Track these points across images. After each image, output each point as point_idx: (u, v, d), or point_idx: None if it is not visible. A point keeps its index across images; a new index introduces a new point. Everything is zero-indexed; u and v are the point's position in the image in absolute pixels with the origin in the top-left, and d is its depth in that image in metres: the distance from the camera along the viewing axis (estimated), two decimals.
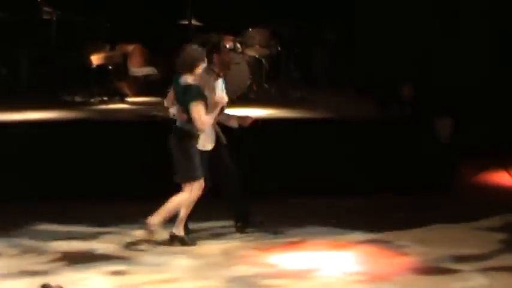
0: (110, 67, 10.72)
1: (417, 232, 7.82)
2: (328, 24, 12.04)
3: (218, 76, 7.51)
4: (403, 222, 8.09)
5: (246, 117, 7.73)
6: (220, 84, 7.52)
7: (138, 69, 10.97)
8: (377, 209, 8.64)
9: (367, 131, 9.36)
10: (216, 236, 7.72)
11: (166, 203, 7.29)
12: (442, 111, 9.44)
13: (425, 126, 9.25)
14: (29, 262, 6.97)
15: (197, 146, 7.31)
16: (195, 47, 7.36)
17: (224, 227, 7.96)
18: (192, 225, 7.73)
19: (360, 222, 8.09)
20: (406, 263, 6.99)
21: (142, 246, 7.39)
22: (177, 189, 7.34)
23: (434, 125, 9.26)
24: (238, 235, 7.69)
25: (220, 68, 7.50)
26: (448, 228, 7.94)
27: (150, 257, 7.13)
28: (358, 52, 11.58)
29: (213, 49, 7.43)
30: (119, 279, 6.60)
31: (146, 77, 11.03)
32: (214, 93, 7.35)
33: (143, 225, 7.35)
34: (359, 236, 7.69)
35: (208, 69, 7.36)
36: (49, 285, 6.19)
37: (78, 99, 10.53)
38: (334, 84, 12.07)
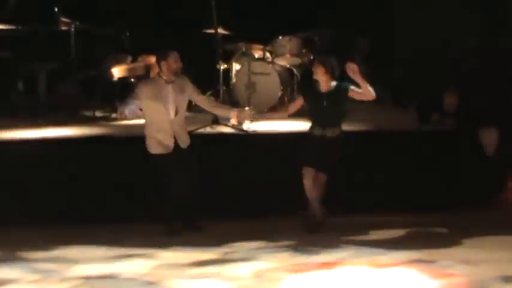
0: (132, 80, 10.80)
1: (462, 251, 7.80)
2: (361, 31, 12.06)
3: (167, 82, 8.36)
4: (447, 240, 8.08)
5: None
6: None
7: None
8: (419, 226, 8.62)
9: (406, 143, 9.36)
10: (246, 257, 7.76)
11: None
12: (487, 121, 9.41)
13: (469, 137, 9.23)
14: None
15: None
16: None
17: (255, 248, 8.00)
18: (223, 247, 7.78)
19: (401, 241, 8.10)
20: (451, 284, 6.97)
21: (170, 269, 7.45)
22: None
23: (479, 136, 9.24)
24: (269, 256, 7.72)
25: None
26: (496, 246, 7.92)
27: (178, 280, 7.16)
28: (395, 59, 11.57)
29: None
30: None
31: None
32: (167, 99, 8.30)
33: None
34: (400, 255, 7.67)
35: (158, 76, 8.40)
36: None
37: (99, 114, 10.63)
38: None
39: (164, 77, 8.34)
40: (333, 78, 8.42)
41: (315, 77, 8.49)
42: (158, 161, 8.31)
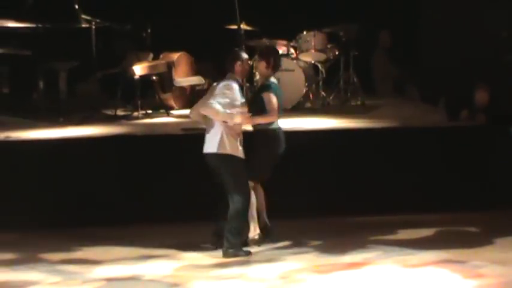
0: (154, 78, 10.77)
1: (494, 251, 7.72)
2: (386, 25, 11.99)
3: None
4: (479, 240, 8.00)
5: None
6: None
7: (184, 79, 11.00)
8: (449, 225, 8.55)
9: (435, 140, 9.27)
10: (271, 258, 7.70)
11: None
12: None
13: (500, 134, 9.12)
14: None
15: None
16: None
17: (280, 248, 7.95)
18: (247, 247, 7.77)
19: (430, 241, 8.03)
20: (483, 285, 6.87)
21: (193, 270, 7.41)
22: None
23: (510, 133, 9.12)
24: (295, 257, 7.66)
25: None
26: None
27: (201, 282, 7.12)
28: (423, 54, 11.48)
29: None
30: None
31: (193, 87, 11.07)
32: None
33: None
34: (430, 255, 7.59)
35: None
36: None
37: (120, 113, 10.62)
38: (396, 90, 12.02)
39: (238, 79, 7.93)
40: (273, 73, 8.07)
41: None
42: (242, 166, 7.85)
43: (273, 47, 8.39)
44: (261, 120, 7.89)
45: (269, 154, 7.92)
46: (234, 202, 7.70)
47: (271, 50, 8.30)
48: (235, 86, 7.85)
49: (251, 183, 7.87)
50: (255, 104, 7.95)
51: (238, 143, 7.82)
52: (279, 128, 7.98)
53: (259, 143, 7.92)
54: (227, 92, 7.79)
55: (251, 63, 10.70)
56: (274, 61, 8.02)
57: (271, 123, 7.91)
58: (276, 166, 7.97)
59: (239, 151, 7.82)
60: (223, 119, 7.76)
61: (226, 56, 8.06)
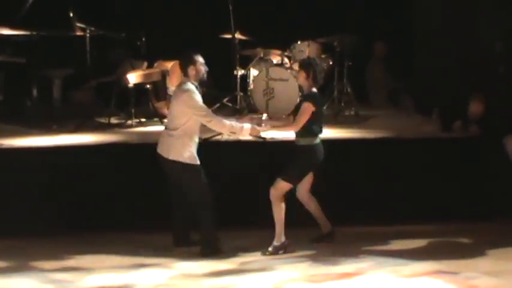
0: (148, 86, 10.79)
1: (487, 262, 7.73)
2: (381, 36, 12.04)
3: None
4: (472, 251, 8.02)
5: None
6: None
7: None
8: (442, 236, 8.56)
9: (428, 151, 9.30)
10: (264, 267, 7.71)
11: None
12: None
13: (494, 146, 9.15)
14: None
15: None
16: None
17: (273, 258, 7.98)
18: (240, 257, 7.78)
19: (423, 251, 8.04)
20: None
21: (185, 280, 7.42)
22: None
23: (504, 145, 9.15)
24: (287, 266, 7.68)
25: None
26: None
27: None
28: (417, 65, 11.52)
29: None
30: None
31: None
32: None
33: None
34: (423, 266, 7.61)
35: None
36: None
37: (114, 121, 10.63)
38: (390, 100, 12.05)
39: (194, 83, 8.07)
40: (315, 85, 8.25)
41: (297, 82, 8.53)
42: (200, 172, 8.04)
43: (314, 59, 8.53)
44: (280, 129, 8.31)
45: (309, 166, 8.17)
46: (198, 209, 7.94)
47: (311, 62, 8.36)
48: (196, 90, 7.98)
49: (286, 188, 8.04)
50: (296, 112, 8.19)
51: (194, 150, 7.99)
52: (319, 143, 8.19)
53: (303, 154, 8.12)
54: (196, 98, 7.90)
55: (244, 72, 10.79)
56: (313, 73, 8.16)
57: (313, 139, 8.10)
58: None
59: (197, 159, 7.98)
60: (230, 131, 7.87)
61: (180, 59, 8.15)
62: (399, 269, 7.55)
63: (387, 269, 7.55)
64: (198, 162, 8.01)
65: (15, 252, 8.20)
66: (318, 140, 8.18)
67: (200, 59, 8.19)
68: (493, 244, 8.20)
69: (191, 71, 8.11)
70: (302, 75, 8.24)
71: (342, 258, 7.85)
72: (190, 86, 8.06)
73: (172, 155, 7.98)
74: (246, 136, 8.19)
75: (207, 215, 7.97)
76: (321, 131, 8.23)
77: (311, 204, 8.34)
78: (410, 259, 7.79)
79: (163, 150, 8.09)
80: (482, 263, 7.71)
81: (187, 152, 7.96)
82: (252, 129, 8.08)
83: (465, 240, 8.45)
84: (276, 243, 8.11)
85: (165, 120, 10.68)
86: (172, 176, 8.11)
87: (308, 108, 8.08)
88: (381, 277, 7.35)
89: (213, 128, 8.12)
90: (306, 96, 8.25)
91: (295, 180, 8.14)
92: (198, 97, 8.02)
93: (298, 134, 8.19)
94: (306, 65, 8.28)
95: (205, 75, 8.22)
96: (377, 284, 7.20)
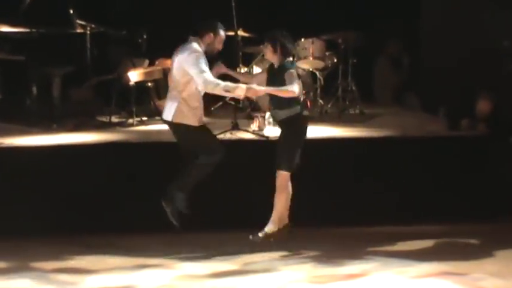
0: (149, 84, 10.78)
1: (495, 263, 7.70)
2: (389, 32, 12.02)
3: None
4: (479, 252, 7.99)
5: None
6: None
7: None
8: (449, 236, 8.54)
9: (435, 149, 9.27)
10: (268, 268, 7.68)
11: None
12: None
13: (502, 145, 9.12)
14: None
15: None
16: None
17: (277, 258, 7.95)
18: (243, 257, 7.76)
19: (430, 252, 8.02)
20: None
21: (188, 280, 7.39)
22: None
23: (511, 143, 9.14)
24: (292, 267, 7.65)
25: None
26: None
27: None
28: (424, 63, 11.49)
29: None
30: None
31: None
32: None
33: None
34: (429, 267, 7.57)
35: None
36: None
37: (115, 119, 10.61)
38: (396, 98, 12.03)
39: (203, 49, 7.92)
40: (286, 58, 8.00)
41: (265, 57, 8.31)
42: (200, 132, 8.00)
43: (280, 31, 8.24)
44: (277, 92, 7.82)
45: (299, 139, 7.96)
46: (199, 159, 7.89)
47: (276, 34, 8.06)
48: (203, 55, 7.87)
49: (286, 176, 7.92)
50: (274, 85, 7.89)
51: (196, 112, 7.91)
52: (304, 113, 7.97)
53: (288, 130, 7.93)
54: (201, 60, 7.81)
55: (247, 69, 10.77)
56: (281, 46, 7.95)
57: (293, 109, 7.88)
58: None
59: (196, 120, 7.92)
60: (225, 91, 7.80)
61: (204, 22, 8.06)
62: (405, 269, 7.52)
63: (393, 270, 7.53)
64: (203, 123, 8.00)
65: (16, 252, 8.17)
66: (299, 110, 7.95)
67: (222, 34, 8.08)
68: (501, 245, 8.17)
69: (208, 37, 8.01)
70: (269, 50, 8.00)
71: (347, 259, 7.82)
72: (199, 48, 7.95)
73: (176, 118, 7.94)
74: (241, 96, 7.98)
75: (207, 163, 7.94)
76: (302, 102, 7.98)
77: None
78: (416, 260, 7.76)
79: (167, 115, 8.04)
80: (489, 264, 7.68)
81: (192, 115, 7.91)
82: (248, 89, 7.84)
83: (472, 241, 8.42)
84: (267, 230, 8.01)
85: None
86: (178, 139, 8.10)
87: (294, 73, 7.87)
88: (387, 278, 7.32)
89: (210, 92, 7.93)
90: (282, 66, 7.93)
91: (290, 164, 7.94)
92: (204, 61, 7.86)
93: (276, 107, 7.95)
94: (272, 39, 7.99)
95: (214, 51, 8.09)
96: (383, 285, 7.17)
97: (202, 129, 8.07)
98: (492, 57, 9.95)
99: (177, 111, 7.95)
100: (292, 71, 7.89)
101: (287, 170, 7.96)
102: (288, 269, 7.63)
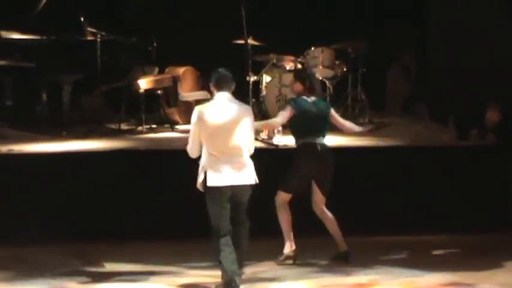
0: (159, 92, 10.80)
1: (504, 274, 7.69)
2: (399, 41, 12.02)
3: None
4: (488, 262, 7.97)
5: None
6: None
7: (190, 94, 11.01)
8: (456, 247, 8.54)
9: (444, 159, 9.26)
10: (275, 277, 7.68)
11: None
12: None
13: (511, 154, 9.11)
14: None
15: None
16: None
17: (284, 267, 7.95)
18: (251, 266, 7.80)
19: (438, 262, 8.00)
20: None
21: None
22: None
23: None
24: (299, 276, 7.64)
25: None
26: None
27: None
28: (432, 72, 11.49)
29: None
30: None
31: (198, 102, 11.08)
32: None
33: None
34: (437, 277, 7.57)
35: None
36: None
37: (124, 127, 10.64)
38: (405, 108, 12.02)
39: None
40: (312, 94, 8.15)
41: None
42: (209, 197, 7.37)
43: (308, 69, 8.52)
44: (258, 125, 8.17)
45: (295, 169, 8.04)
46: (246, 226, 7.47)
47: (307, 73, 8.43)
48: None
49: (283, 196, 8.04)
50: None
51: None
52: (305, 143, 8.02)
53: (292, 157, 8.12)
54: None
55: (257, 78, 10.80)
56: (310, 83, 8.14)
57: (297, 140, 8.07)
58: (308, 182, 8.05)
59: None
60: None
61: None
62: (414, 280, 7.52)
63: (402, 280, 7.52)
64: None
65: (24, 259, 8.19)
66: (300, 142, 8.05)
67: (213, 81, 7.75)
68: (510, 256, 8.15)
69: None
70: (298, 86, 8.14)
71: (355, 268, 7.82)
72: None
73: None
74: None
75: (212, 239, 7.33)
76: (306, 133, 8.02)
77: (325, 219, 8.12)
78: (425, 270, 7.75)
79: (249, 178, 7.48)
80: (498, 275, 7.67)
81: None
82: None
83: (481, 252, 8.39)
84: (284, 251, 8.08)
85: (176, 127, 10.72)
86: (240, 204, 7.43)
87: (286, 110, 8.04)
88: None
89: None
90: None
91: (285, 186, 8.04)
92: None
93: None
94: (302, 76, 8.22)
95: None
96: None
97: None
98: (501, 67, 9.94)
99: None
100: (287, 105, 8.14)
101: (281, 189, 8.06)
102: (295, 278, 7.63)
